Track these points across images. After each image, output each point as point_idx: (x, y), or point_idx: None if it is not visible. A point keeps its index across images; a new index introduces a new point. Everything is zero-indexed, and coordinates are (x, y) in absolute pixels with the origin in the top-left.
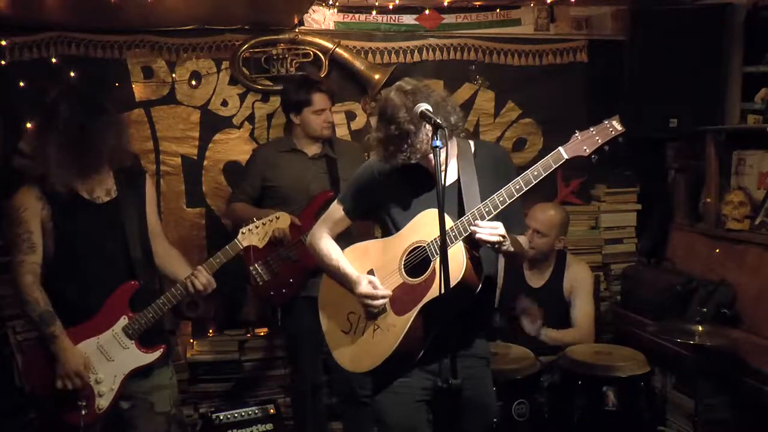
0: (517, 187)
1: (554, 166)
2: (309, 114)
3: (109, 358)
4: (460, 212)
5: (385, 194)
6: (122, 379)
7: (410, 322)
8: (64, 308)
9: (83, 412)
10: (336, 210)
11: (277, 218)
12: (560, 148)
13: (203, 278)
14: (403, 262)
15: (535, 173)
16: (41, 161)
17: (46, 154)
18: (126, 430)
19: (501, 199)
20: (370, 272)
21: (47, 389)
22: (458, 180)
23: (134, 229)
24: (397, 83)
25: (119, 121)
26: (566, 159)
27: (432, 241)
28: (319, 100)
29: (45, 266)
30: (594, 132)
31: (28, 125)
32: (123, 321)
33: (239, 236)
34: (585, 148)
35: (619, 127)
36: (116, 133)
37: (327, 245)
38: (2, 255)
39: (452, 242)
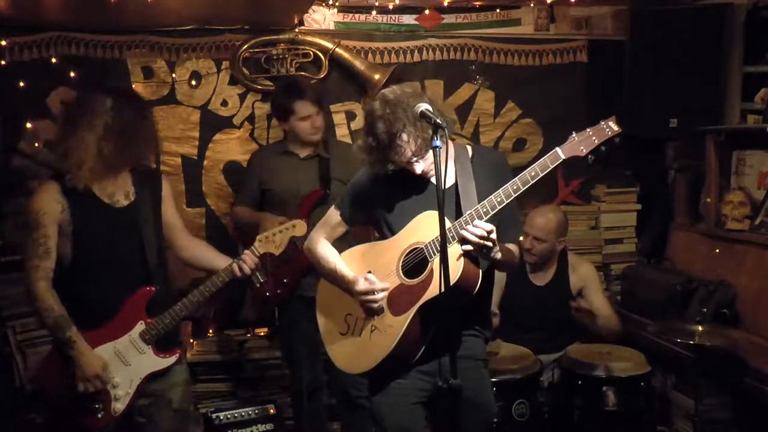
0: (515, 187)
1: (551, 167)
2: (295, 122)
3: (125, 363)
4: (458, 215)
5: (382, 199)
6: (138, 383)
7: (408, 323)
8: (80, 311)
9: (99, 416)
10: (333, 215)
11: (294, 226)
12: (557, 148)
13: (251, 261)
14: (400, 264)
15: (533, 173)
16: (73, 157)
17: (81, 150)
18: (145, 426)
19: (498, 199)
20: (368, 274)
21: (64, 392)
22: (455, 183)
23: (151, 234)
24: (382, 91)
25: (152, 117)
26: (563, 159)
27: (429, 242)
28: (301, 108)
29: (62, 269)
30: (591, 133)
31: (59, 119)
32: (140, 326)
33: (256, 243)
34: (582, 148)
35: (615, 128)
36: (151, 134)
37: (324, 249)
38: (4, 255)
39: (450, 243)
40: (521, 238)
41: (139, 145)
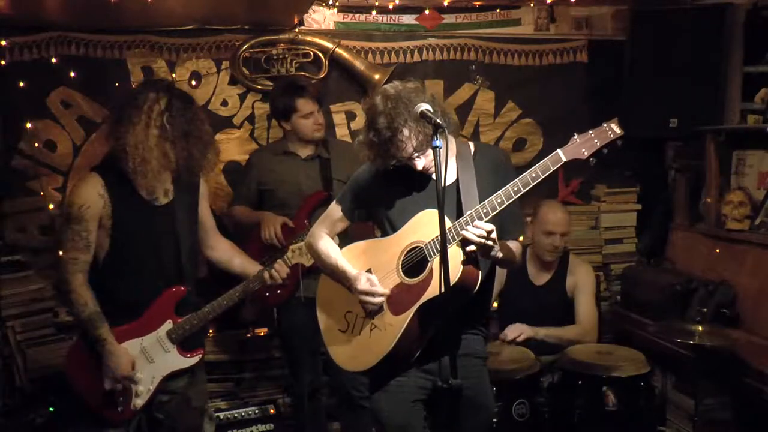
0: (516, 189)
1: (552, 168)
2: (298, 119)
3: (150, 360)
4: (459, 213)
5: (383, 194)
6: (159, 380)
7: (407, 322)
8: (111, 305)
9: (120, 409)
10: (334, 210)
11: None
12: (558, 150)
13: (283, 270)
14: (400, 263)
15: (533, 175)
16: (137, 156)
17: (142, 149)
18: (164, 422)
19: (499, 200)
20: (368, 272)
21: (89, 385)
22: (457, 180)
23: (186, 234)
24: (383, 87)
25: (206, 122)
26: (564, 161)
27: (430, 242)
28: (303, 105)
29: (96, 262)
30: (593, 135)
31: (109, 118)
32: (168, 325)
33: (289, 253)
34: (584, 150)
35: (618, 130)
36: (210, 136)
37: (325, 244)
38: (4, 255)
39: (450, 243)
40: (521, 238)
41: (201, 147)
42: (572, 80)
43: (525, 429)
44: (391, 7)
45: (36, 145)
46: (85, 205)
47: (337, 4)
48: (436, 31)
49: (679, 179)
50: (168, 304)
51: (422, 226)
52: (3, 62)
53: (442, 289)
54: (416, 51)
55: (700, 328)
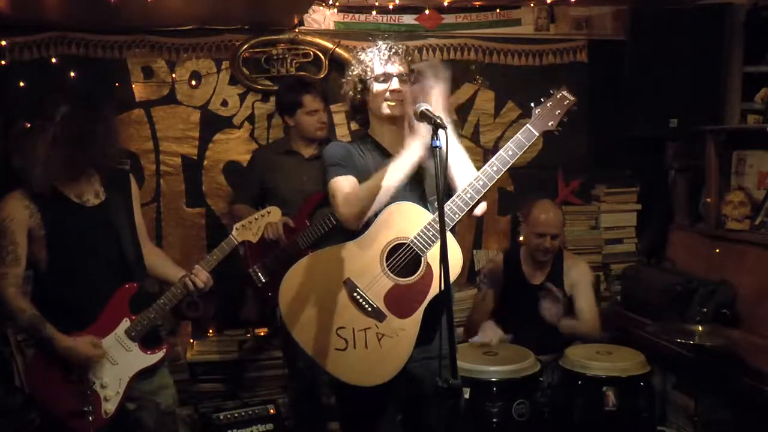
0: (495, 168)
1: (527, 144)
2: (302, 116)
3: (113, 362)
4: (423, 192)
5: (360, 170)
6: (128, 382)
7: (420, 323)
8: (63, 315)
9: (90, 419)
10: (347, 180)
11: (269, 213)
12: (528, 125)
13: (203, 276)
14: (385, 264)
15: (510, 153)
16: (32, 162)
17: (38, 154)
18: (134, 431)
19: (481, 183)
20: (348, 282)
21: (54, 398)
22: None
23: (126, 231)
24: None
25: (114, 121)
26: (537, 135)
27: (416, 236)
28: (310, 101)
29: (39, 275)
30: (551, 106)
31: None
32: (125, 324)
33: (234, 232)
34: (551, 123)
35: (571, 97)
36: (110, 134)
37: (361, 185)
38: None
39: (437, 238)
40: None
41: (101, 147)
42: (572, 80)
43: (525, 429)
44: (391, 7)
45: None
46: (8, 218)
47: (337, 4)
48: (436, 31)
49: (679, 179)
50: (121, 303)
51: (396, 221)
52: (3, 62)
53: (442, 283)
54: (416, 51)
55: (700, 328)
